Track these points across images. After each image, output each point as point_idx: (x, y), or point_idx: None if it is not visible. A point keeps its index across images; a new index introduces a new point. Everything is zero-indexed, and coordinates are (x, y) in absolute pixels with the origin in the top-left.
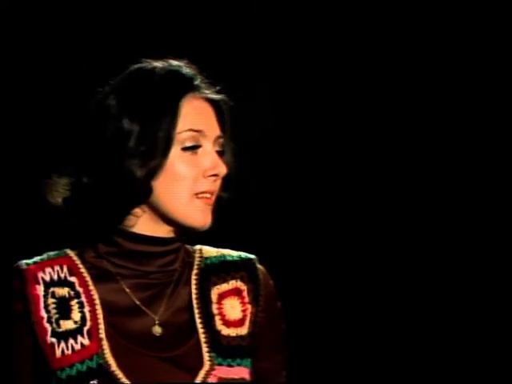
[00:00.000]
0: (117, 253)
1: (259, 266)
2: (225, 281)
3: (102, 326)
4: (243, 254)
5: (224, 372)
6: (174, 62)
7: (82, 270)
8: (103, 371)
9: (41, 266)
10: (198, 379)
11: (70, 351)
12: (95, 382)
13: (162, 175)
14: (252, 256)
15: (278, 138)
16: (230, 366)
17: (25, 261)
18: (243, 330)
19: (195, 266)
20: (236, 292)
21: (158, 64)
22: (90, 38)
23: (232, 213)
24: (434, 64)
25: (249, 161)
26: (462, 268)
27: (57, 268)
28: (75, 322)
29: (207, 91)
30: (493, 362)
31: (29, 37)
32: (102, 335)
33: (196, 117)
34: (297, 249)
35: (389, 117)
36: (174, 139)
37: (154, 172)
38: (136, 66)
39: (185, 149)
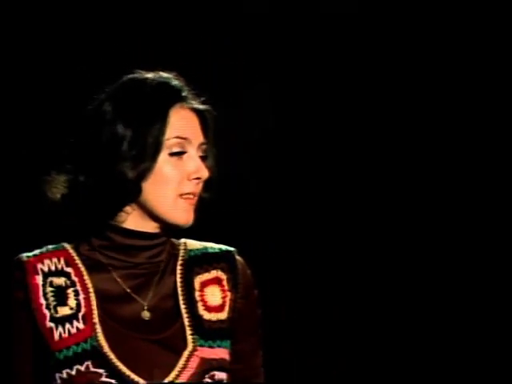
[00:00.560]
0: (109, 246)
1: (238, 257)
2: (207, 271)
3: (95, 312)
4: (223, 247)
5: (205, 353)
6: (164, 74)
7: (78, 261)
8: (96, 352)
9: (40, 258)
10: (183, 359)
11: (66, 334)
12: None
13: (151, 177)
14: (231, 248)
15: (266, 138)
16: (211, 347)
17: (25, 253)
18: (223, 315)
19: (180, 258)
20: (217, 281)
21: (150, 75)
22: (88, 45)
23: (216, 209)
24: (431, 66)
25: (234, 161)
26: (458, 268)
27: (54, 260)
28: (71, 309)
29: (193, 102)
30: (491, 361)
31: (29, 38)
32: (96, 320)
33: (182, 125)
34: (295, 250)
35: (388, 117)
36: (162, 145)
37: (143, 174)
38: (129, 76)
39: (172, 154)
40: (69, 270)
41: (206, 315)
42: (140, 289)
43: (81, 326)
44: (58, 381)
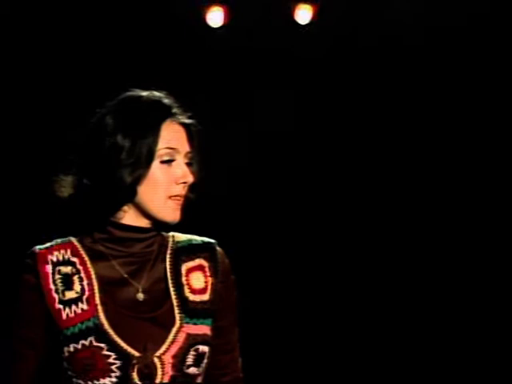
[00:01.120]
0: (109, 238)
1: (218, 248)
2: (191, 259)
3: (97, 295)
4: (206, 239)
5: (191, 329)
6: (156, 93)
7: (82, 252)
8: (98, 329)
9: (50, 250)
10: (172, 334)
11: (73, 314)
12: None
13: (145, 181)
14: (212, 240)
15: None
16: (195, 324)
17: (38, 246)
18: (205, 297)
19: (169, 248)
20: (200, 268)
21: (144, 93)
22: (92, 63)
23: (199, 208)
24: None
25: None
26: (445, 269)
27: (62, 251)
28: (76, 292)
29: (181, 117)
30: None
31: (32, 46)
32: (98, 302)
33: (172, 137)
34: (266, 241)
35: (377, 119)
36: (155, 154)
37: (138, 178)
38: (127, 93)
39: (163, 162)
40: (74, 259)
41: (191, 297)
42: (135, 274)
43: (85, 307)
44: (66, 354)
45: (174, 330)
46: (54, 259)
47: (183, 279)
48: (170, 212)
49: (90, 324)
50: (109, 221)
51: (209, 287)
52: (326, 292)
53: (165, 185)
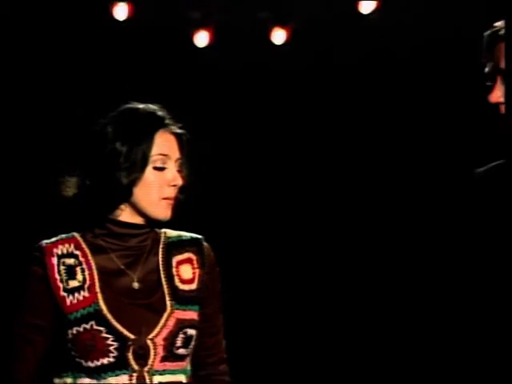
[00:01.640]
0: (108, 234)
1: (204, 243)
2: (181, 253)
3: (97, 284)
4: (194, 235)
5: (180, 314)
6: (151, 106)
7: (84, 246)
8: (98, 314)
9: (55, 244)
10: (163, 319)
11: (76, 301)
12: None
13: (140, 184)
14: (200, 236)
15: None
16: (184, 310)
17: (45, 241)
18: (193, 286)
19: (161, 243)
20: (189, 260)
21: (141, 106)
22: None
23: (188, 208)
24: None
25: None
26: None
27: (66, 245)
28: (79, 282)
29: (173, 127)
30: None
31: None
32: (98, 290)
33: (164, 145)
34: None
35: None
36: (149, 160)
37: (134, 181)
38: (126, 106)
39: (155, 167)
40: (77, 252)
41: (181, 286)
42: (131, 266)
43: (86, 294)
44: (69, 336)
45: (166, 315)
46: (59, 252)
47: (174, 270)
48: (162, 211)
49: (91, 310)
50: (108, 218)
51: (196, 278)
52: (310, 285)
53: (157, 187)
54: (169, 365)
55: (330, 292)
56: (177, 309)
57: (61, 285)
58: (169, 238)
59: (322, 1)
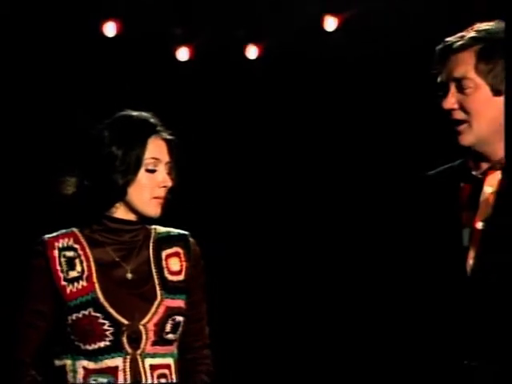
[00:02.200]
0: (104, 229)
1: (191, 238)
2: (170, 247)
3: (94, 274)
4: (181, 231)
5: (169, 302)
6: (144, 114)
7: (82, 240)
8: (95, 302)
9: (56, 238)
10: (154, 306)
11: (75, 290)
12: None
13: (134, 185)
14: (186, 232)
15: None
16: (172, 298)
17: (46, 235)
18: (181, 277)
19: (152, 238)
20: (176, 254)
21: (135, 113)
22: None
23: (176, 206)
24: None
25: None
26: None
27: (66, 239)
28: (78, 272)
29: (164, 134)
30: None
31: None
32: (95, 280)
33: (156, 150)
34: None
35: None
36: (142, 163)
37: (128, 182)
38: (121, 113)
39: (147, 170)
40: (76, 246)
41: (170, 277)
42: (125, 258)
43: (85, 284)
44: (69, 322)
45: (156, 303)
46: (60, 245)
47: (163, 263)
48: (153, 209)
49: (89, 298)
50: (104, 215)
51: (183, 270)
52: (298, 282)
53: (149, 188)
54: (159, 349)
55: (317, 287)
56: (166, 297)
57: (61, 275)
58: (159, 233)
59: (290, 20)
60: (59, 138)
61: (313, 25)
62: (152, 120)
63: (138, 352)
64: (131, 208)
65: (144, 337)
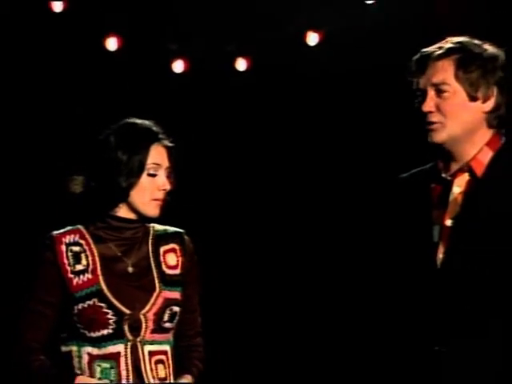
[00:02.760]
0: (107, 227)
1: (186, 236)
2: (167, 243)
3: (99, 268)
4: (177, 229)
5: (167, 294)
6: (147, 122)
7: (87, 236)
8: (100, 293)
9: (64, 234)
10: (153, 297)
11: (81, 282)
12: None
13: (136, 187)
14: (182, 230)
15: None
16: (170, 290)
17: (55, 231)
18: (177, 271)
19: (151, 235)
20: (173, 250)
21: (139, 121)
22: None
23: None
24: None
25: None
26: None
27: (72, 235)
28: (84, 266)
29: (165, 141)
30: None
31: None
32: (99, 273)
33: (157, 156)
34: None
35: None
36: (144, 168)
37: (131, 185)
38: (126, 120)
39: (149, 174)
40: (82, 241)
41: (167, 271)
42: (126, 253)
43: (90, 276)
44: (75, 311)
45: (155, 294)
46: (67, 241)
47: (161, 258)
48: (153, 210)
49: (94, 289)
50: (107, 214)
51: (180, 264)
52: (289, 279)
53: (150, 190)
54: (157, 336)
55: (304, 281)
56: (164, 289)
57: (68, 268)
58: (157, 231)
59: (276, 35)
60: (67, 141)
61: (296, 39)
62: (154, 128)
63: (138, 339)
64: (132, 208)
65: (144, 325)
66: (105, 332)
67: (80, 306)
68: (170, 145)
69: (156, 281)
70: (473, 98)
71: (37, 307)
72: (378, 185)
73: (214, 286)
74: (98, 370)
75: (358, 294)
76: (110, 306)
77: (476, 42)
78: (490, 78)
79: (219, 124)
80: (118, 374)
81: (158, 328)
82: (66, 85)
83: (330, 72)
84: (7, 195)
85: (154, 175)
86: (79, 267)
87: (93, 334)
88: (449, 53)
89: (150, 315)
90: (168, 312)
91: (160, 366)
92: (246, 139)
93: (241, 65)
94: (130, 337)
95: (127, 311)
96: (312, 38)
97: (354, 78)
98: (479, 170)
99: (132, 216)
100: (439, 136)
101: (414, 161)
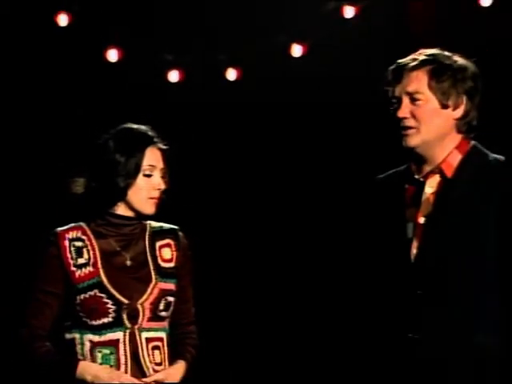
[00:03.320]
0: (107, 223)
1: (180, 232)
2: (162, 239)
3: (99, 261)
4: (172, 226)
5: (162, 285)
6: (143, 127)
7: (89, 232)
8: (100, 284)
9: (67, 230)
10: (149, 288)
11: (83, 274)
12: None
13: (133, 187)
14: (176, 227)
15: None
16: (165, 282)
17: (58, 228)
18: (172, 264)
19: (147, 231)
20: (168, 245)
21: (135, 126)
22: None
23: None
24: None
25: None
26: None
27: (75, 231)
28: (85, 259)
29: (160, 144)
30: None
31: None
32: (100, 266)
33: (152, 158)
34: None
35: None
36: (140, 169)
37: (129, 185)
38: (124, 125)
39: (145, 174)
40: (84, 237)
41: (163, 264)
42: (125, 248)
43: (91, 269)
44: (78, 301)
45: (151, 285)
46: (70, 237)
47: (157, 252)
48: (149, 208)
49: (95, 281)
50: (107, 212)
51: (174, 258)
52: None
53: (146, 190)
54: (153, 324)
55: (291, 279)
56: (160, 281)
57: (71, 262)
58: (153, 227)
59: (263, 47)
60: (69, 145)
61: (282, 51)
62: (150, 132)
63: (136, 327)
64: (130, 206)
65: (141, 314)
66: (105, 320)
67: (82, 296)
68: (165, 147)
69: (152, 273)
70: (444, 106)
71: (42, 297)
72: (356, 185)
73: (209, 281)
74: (99, 355)
75: (337, 287)
76: (110, 296)
77: (447, 53)
78: (459, 87)
79: (213, 129)
80: (118, 360)
81: (155, 316)
82: (70, 92)
83: (313, 82)
84: (13, 195)
85: (149, 176)
86: (81, 261)
87: (94, 323)
88: (422, 64)
89: (147, 304)
90: (163, 302)
91: (156, 352)
92: (238, 142)
93: (231, 74)
94: (128, 325)
95: (126, 301)
96: (296, 50)
97: (335, 87)
98: (449, 172)
99: (130, 214)
100: (414, 140)
101: (389, 163)
